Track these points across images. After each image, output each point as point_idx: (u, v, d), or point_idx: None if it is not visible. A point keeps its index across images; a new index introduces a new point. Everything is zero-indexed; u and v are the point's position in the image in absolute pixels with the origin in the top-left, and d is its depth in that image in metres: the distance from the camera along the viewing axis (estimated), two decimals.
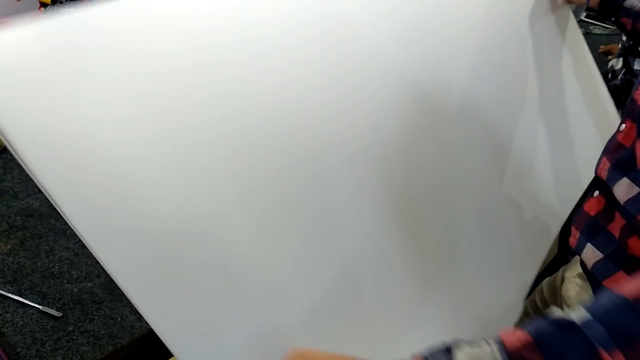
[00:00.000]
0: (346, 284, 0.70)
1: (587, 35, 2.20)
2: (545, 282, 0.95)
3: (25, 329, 0.79)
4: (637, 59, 1.39)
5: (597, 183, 0.75)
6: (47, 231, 0.94)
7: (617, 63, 1.49)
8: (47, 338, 0.78)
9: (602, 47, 2.06)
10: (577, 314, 0.43)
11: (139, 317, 0.84)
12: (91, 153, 0.49)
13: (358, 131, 0.70)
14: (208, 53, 0.56)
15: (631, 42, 1.38)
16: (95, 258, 0.91)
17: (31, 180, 1.04)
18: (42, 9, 1.26)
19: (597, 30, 2.24)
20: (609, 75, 1.53)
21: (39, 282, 0.86)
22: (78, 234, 0.51)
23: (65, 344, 0.78)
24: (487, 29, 0.86)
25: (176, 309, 0.54)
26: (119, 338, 0.80)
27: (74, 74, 0.48)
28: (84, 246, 0.93)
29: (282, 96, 0.62)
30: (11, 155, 1.11)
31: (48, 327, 0.80)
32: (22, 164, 0.48)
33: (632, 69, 1.41)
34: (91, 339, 0.80)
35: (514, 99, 0.95)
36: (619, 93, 1.49)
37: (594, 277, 0.72)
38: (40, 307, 0.82)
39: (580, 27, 2.22)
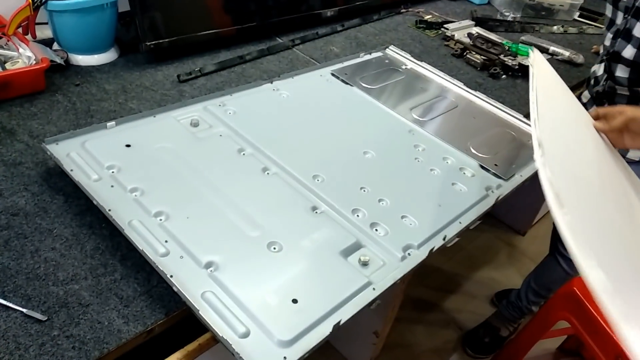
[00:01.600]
0: None
1: (581, 34, 2.19)
2: None
3: (8, 333, 0.76)
4: (619, 65, 1.37)
5: None
6: (32, 231, 0.91)
7: (599, 69, 1.47)
8: (31, 343, 0.75)
9: (595, 47, 2.05)
10: None
11: (127, 321, 0.81)
12: None
13: None
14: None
15: (614, 49, 1.36)
16: (81, 260, 0.89)
17: (17, 177, 1.02)
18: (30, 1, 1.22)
19: (590, 30, 2.23)
20: (592, 82, 1.53)
21: (23, 284, 0.83)
22: None
23: (49, 349, 0.76)
24: None
25: None
26: (106, 343, 0.78)
27: None
28: (70, 246, 0.90)
29: None
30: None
31: (32, 332, 0.77)
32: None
33: (614, 76, 1.39)
34: (77, 344, 0.77)
35: None
36: (602, 99, 1.48)
37: None
38: (24, 310, 0.79)
39: (574, 26, 2.23)
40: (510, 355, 1.91)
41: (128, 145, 1.07)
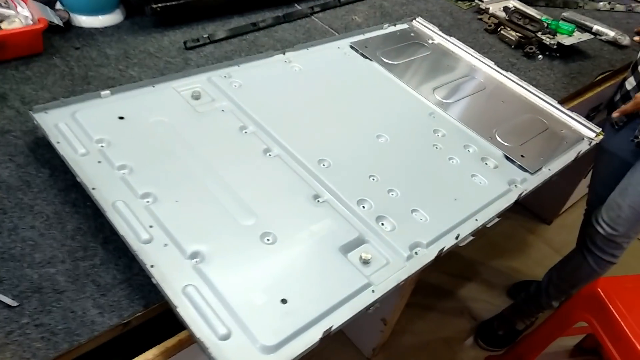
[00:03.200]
0: None
1: (629, 13, 2.01)
2: None
3: None
4: None
5: None
6: (13, 206, 0.86)
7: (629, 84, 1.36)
8: None
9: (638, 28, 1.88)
10: None
11: (102, 312, 0.75)
12: None
13: None
14: None
15: None
16: (60, 240, 0.83)
17: (3, 146, 0.96)
18: None
19: None
20: (620, 95, 1.41)
21: None
22: None
23: (16, 338, 0.70)
24: None
25: None
26: (77, 335, 0.72)
27: None
28: (50, 225, 0.84)
29: None
30: None
31: (1, 318, 0.72)
32: None
33: None
34: (46, 334, 0.71)
35: None
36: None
37: None
38: None
39: (622, 3, 2.04)
40: (525, 350, 1.82)
41: (121, 118, 0.99)
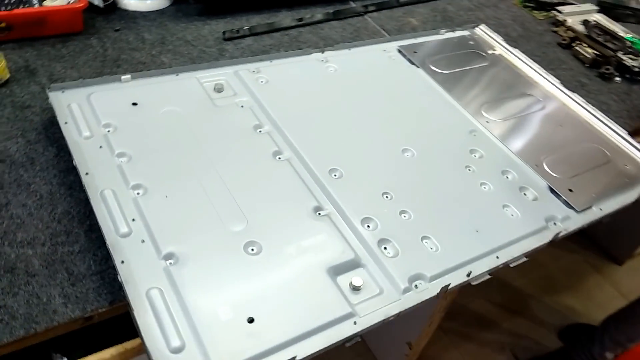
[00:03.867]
0: None
1: None
2: None
3: None
4: None
5: None
6: (11, 182, 0.86)
7: None
8: None
9: None
10: None
11: (67, 302, 0.73)
12: None
13: None
14: None
15: None
16: (47, 222, 0.82)
17: (19, 121, 0.98)
18: None
19: None
20: None
21: None
22: None
23: None
24: None
25: None
26: (36, 322, 0.70)
27: None
28: (41, 206, 0.83)
29: None
30: (9, 91, 1.04)
31: None
32: None
33: None
34: (6, 317, 0.70)
35: None
36: None
37: None
38: None
39: None
40: None
41: (135, 104, 0.97)
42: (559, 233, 0.94)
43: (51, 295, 0.73)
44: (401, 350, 1.69)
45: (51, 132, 0.95)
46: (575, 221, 0.98)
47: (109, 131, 0.91)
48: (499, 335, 2.01)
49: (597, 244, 2.35)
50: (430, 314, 1.43)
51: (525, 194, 1.01)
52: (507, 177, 1.03)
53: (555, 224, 0.97)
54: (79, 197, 0.86)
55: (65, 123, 0.91)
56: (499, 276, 2.19)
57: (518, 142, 1.12)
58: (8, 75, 1.03)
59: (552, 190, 1.03)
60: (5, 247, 0.77)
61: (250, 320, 0.70)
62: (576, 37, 1.49)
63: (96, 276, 0.76)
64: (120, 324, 0.74)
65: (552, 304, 2.13)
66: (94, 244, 0.80)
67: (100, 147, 0.88)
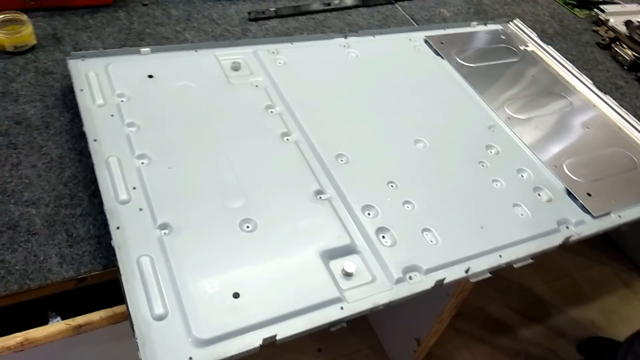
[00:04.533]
0: None
1: None
2: None
3: None
4: None
5: None
6: (24, 143, 0.88)
7: None
8: None
9: None
10: None
11: (62, 262, 0.75)
12: None
13: None
14: None
15: None
16: (53, 184, 0.85)
17: (40, 86, 1.00)
18: None
19: None
20: None
21: None
22: None
23: None
24: None
25: None
26: (30, 279, 0.72)
27: None
28: (50, 168, 0.86)
29: None
30: (34, 57, 1.08)
31: None
32: None
33: None
34: (2, 272, 0.72)
35: None
36: None
37: None
38: None
39: None
40: None
41: (150, 76, 0.99)
42: (569, 237, 0.90)
43: (48, 255, 0.75)
44: (410, 345, 1.66)
45: (69, 99, 0.97)
46: (590, 227, 0.94)
47: (122, 101, 0.93)
48: (514, 342, 1.95)
49: (629, 257, 2.25)
50: (440, 311, 1.40)
51: (539, 195, 0.97)
52: (522, 176, 1.00)
53: (567, 227, 0.93)
54: (87, 163, 0.88)
55: (81, 90, 0.93)
56: (521, 280, 2.14)
57: (539, 141, 1.08)
58: (34, 42, 1.06)
59: (569, 193, 0.99)
60: (10, 204, 0.80)
61: (236, 296, 0.70)
62: (617, 38, 1.43)
63: (94, 240, 0.78)
64: (115, 288, 0.76)
65: (574, 315, 2.06)
66: (96, 208, 0.82)
67: (112, 115, 0.90)
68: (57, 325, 0.72)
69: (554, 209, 0.95)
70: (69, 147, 0.89)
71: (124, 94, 0.94)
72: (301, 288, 0.73)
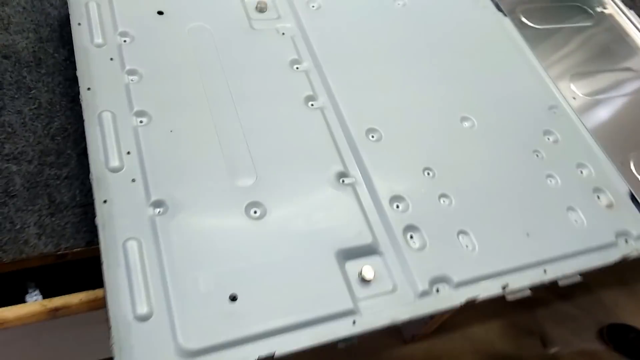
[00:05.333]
0: None
1: None
2: None
3: None
4: None
5: None
6: (11, 82, 0.77)
7: None
8: None
9: None
10: None
11: (41, 234, 0.65)
12: None
13: None
14: None
15: None
16: (39, 137, 0.74)
17: (35, 13, 0.86)
18: None
19: None
20: None
21: None
22: None
23: None
24: None
25: None
26: (3, 251, 0.63)
27: None
28: (38, 116, 0.74)
29: None
30: None
31: None
32: None
33: None
34: None
35: None
36: None
37: None
38: None
39: None
40: None
41: (160, 13, 0.84)
42: (628, 254, 0.77)
43: (26, 223, 0.66)
44: None
45: (66, 32, 0.84)
46: None
47: (125, 41, 0.80)
48: (531, 319, 1.87)
49: None
50: None
51: (598, 197, 0.83)
52: (581, 172, 0.85)
53: (627, 241, 0.80)
54: (80, 113, 0.75)
55: (78, 24, 0.79)
56: None
57: (606, 130, 0.92)
58: None
59: (633, 199, 0.85)
60: None
61: (233, 298, 0.61)
62: None
63: (79, 209, 0.68)
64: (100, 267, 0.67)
65: (601, 297, 1.96)
66: (85, 171, 0.71)
67: (111, 59, 0.77)
68: (30, 306, 0.64)
69: (614, 217, 0.82)
70: (61, 92, 0.78)
71: (128, 32, 0.80)
72: (309, 294, 0.63)
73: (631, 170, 0.88)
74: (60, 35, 0.84)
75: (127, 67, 0.76)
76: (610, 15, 1.14)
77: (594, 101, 0.96)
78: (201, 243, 0.64)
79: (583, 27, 1.10)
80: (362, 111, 0.81)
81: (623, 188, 0.85)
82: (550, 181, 0.82)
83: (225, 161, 0.71)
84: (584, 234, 0.78)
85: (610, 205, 0.83)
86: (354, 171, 0.75)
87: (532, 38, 1.02)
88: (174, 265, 0.61)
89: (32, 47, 0.81)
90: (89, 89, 0.73)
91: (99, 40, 0.78)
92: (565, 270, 0.74)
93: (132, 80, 0.75)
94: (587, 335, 1.85)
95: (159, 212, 0.65)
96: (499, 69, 0.96)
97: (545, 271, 0.73)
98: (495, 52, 0.99)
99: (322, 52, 0.87)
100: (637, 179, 0.87)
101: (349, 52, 0.89)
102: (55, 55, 0.81)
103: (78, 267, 0.68)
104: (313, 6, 0.93)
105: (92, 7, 0.82)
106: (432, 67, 0.92)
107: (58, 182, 0.70)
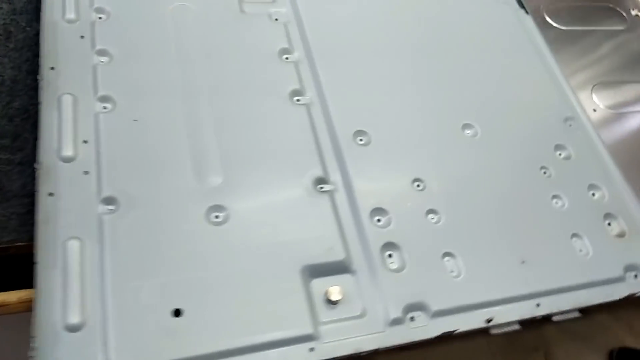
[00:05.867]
0: None
1: None
2: None
3: None
4: None
5: None
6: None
7: None
8: None
9: None
10: None
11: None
12: None
13: None
14: None
15: None
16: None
17: None
18: None
19: None
20: None
21: None
22: None
23: None
24: None
25: None
26: None
27: None
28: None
29: None
30: None
31: None
32: None
33: None
34: None
35: None
36: None
37: None
38: None
39: None
40: None
41: None
42: (635, 293, 0.69)
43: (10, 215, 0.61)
44: None
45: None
46: None
47: (100, 18, 0.73)
48: (538, 334, 1.78)
49: None
50: None
51: (609, 224, 0.74)
52: (593, 195, 0.77)
53: (636, 276, 0.71)
54: None
55: None
56: None
57: (627, 149, 0.83)
58: None
59: None
60: None
61: (177, 313, 0.55)
62: None
63: (27, 199, 0.63)
64: None
65: (617, 317, 1.85)
66: None
67: (82, 37, 0.71)
68: None
69: (625, 248, 0.73)
70: (27, 69, 0.72)
71: (104, 9, 0.74)
72: (265, 314, 0.57)
73: None
74: (36, 7, 0.78)
75: (98, 47, 0.70)
76: None
77: (617, 115, 0.87)
78: (151, 248, 0.58)
79: (614, 31, 0.99)
80: (353, 111, 0.74)
81: (639, 216, 0.76)
82: (557, 202, 0.74)
83: (191, 157, 0.65)
84: (588, 265, 0.70)
85: (621, 235, 0.74)
86: (335, 177, 0.68)
87: (556, 40, 0.93)
88: (117, 271, 0.55)
89: (4, 18, 0.76)
90: (52, 68, 0.67)
91: (71, 15, 0.72)
92: (561, 305, 0.66)
93: (101, 62, 0.69)
94: (595, 357, 1.75)
95: (110, 209, 0.59)
96: (512, 72, 0.87)
97: (538, 305, 0.65)
98: (511, 53, 0.89)
99: (316, 42, 0.79)
100: None
101: (346, 44, 0.81)
102: (27, 29, 0.76)
103: (23, 262, 0.62)
104: None
105: None
106: (438, 66, 0.83)
107: (9, 167, 0.65)
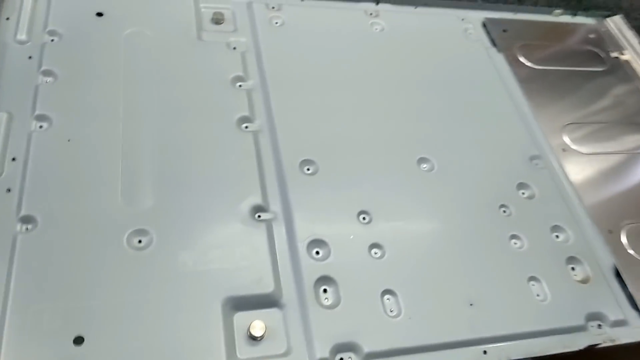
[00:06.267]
0: None
1: None
2: None
3: None
4: None
5: None
6: None
7: None
8: None
9: None
10: None
11: None
12: None
13: None
14: None
15: None
16: None
17: None
18: None
19: None
20: None
21: None
22: None
23: None
24: None
25: None
26: None
27: None
28: None
29: None
30: None
31: None
32: None
33: None
34: None
35: None
36: None
37: None
38: None
39: None
40: None
41: (100, 14, 0.78)
42: (597, 344, 0.63)
43: None
44: None
45: None
46: (632, 334, 0.65)
47: (52, 40, 0.73)
48: None
49: None
50: None
51: (573, 269, 0.69)
52: (556, 237, 0.72)
53: (599, 326, 0.65)
54: None
55: (7, 19, 0.74)
56: None
57: (597, 191, 0.79)
58: None
59: (618, 275, 0.70)
60: None
61: (78, 341, 0.51)
62: None
63: None
64: None
65: None
66: None
67: (30, 57, 0.71)
68: None
69: (589, 294, 0.67)
70: None
71: (57, 31, 0.74)
72: (177, 348, 0.53)
73: (621, 241, 0.73)
74: None
75: (44, 68, 0.70)
76: (627, 62, 1.00)
77: (586, 156, 0.83)
78: (63, 270, 0.55)
79: (593, 72, 0.97)
80: (302, 140, 0.72)
81: (606, 261, 0.71)
82: (515, 243, 0.69)
83: (122, 180, 0.62)
84: (545, 311, 0.64)
85: (585, 280, 0.69)
86: (275, 206, 0.65)
87: (528, 79, 0.90)
88: (22, 291, 0.52)
89: None
90: None
91: (22, 36, 0.72)
92: (512, 353, 0.60)
93: (45, 82, 0.69)
94: None
95: (27, 228, 0.57)
96: (479, 108, 0.84)
97: (485, 352, 0.60)
98: (479, 89, 0.87)
99: (272, 71, 0.78)
100: (627, 252, 0.72)
101: (302, 74, 0.79)
102: None
103: None
104: (276, 22, 0.85)
105: (27, 1, 0.76)
106: (399, 100, 0.81)
107: None
